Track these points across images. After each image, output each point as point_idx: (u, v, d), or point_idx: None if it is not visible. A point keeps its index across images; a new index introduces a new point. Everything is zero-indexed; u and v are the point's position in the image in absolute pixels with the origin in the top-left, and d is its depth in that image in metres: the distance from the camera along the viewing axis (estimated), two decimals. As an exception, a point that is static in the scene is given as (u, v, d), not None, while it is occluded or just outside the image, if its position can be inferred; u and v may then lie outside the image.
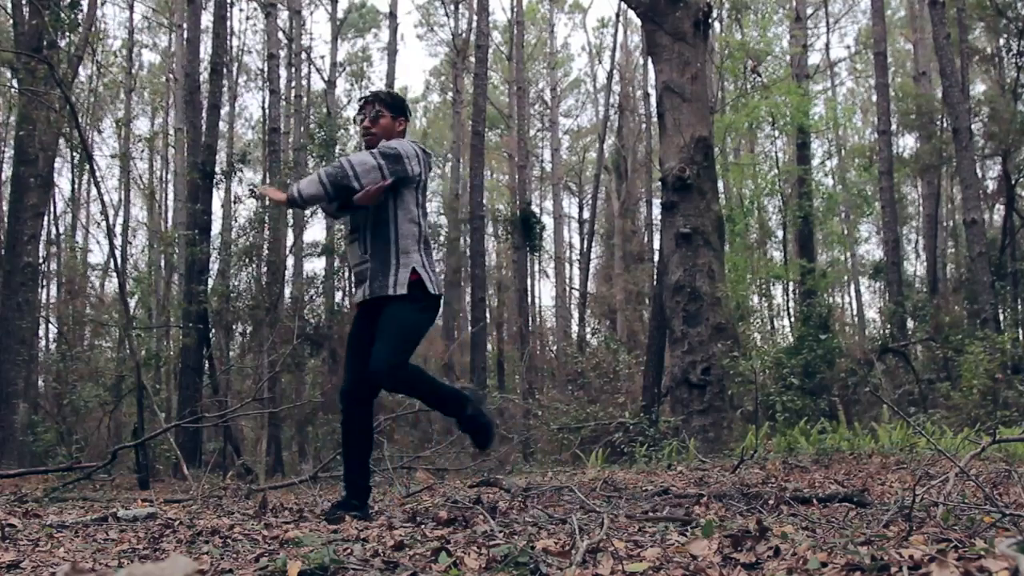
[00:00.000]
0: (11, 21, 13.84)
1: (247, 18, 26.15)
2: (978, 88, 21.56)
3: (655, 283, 16.13)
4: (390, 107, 3.85)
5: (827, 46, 26.77)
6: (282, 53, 22.25)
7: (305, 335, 16.01)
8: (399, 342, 3.63)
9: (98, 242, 27.59)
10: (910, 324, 16.96)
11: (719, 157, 14.90)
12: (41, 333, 17.87)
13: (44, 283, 19.69)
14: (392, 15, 22.62)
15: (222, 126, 20.41)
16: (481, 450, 3.91)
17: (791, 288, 22.28)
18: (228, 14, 18.58)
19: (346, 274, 21.25)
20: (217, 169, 15.36)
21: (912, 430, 7.19)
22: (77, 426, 14.41)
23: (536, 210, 25.36)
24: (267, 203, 15.85)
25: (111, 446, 10.52)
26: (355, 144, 27.15)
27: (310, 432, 17.76)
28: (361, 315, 3.80)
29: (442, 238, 23.45)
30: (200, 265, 14.41)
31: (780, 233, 22.19)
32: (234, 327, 16.93)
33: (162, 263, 22.19)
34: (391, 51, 22.25)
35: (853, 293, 29.14)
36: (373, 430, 3.93)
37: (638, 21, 12.45)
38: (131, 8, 23.38)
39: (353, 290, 3.84)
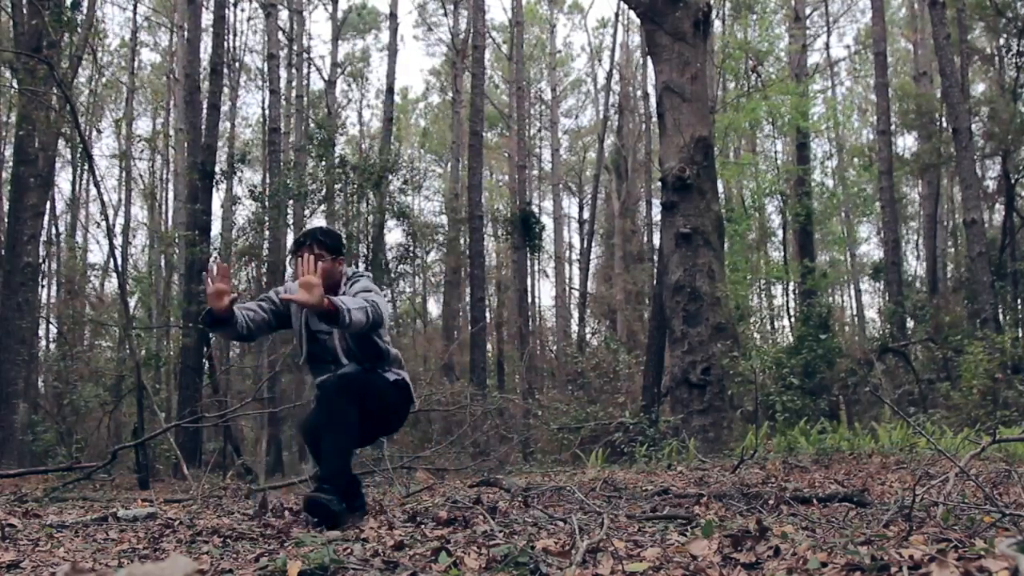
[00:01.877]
0: (11, 21, 13.83)
1: (248, 18, 26.13)
2: (978, 88, 21.56)
3: (655, 283, 16.13)
4: (329, 249, 3.60)
5: (827, 45, 26.80)
6: (282, 53, 22.26)
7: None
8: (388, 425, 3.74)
9: (98, 242, 27.59)
10: (910, 324, 16.95)
11: (718, 157, 14.89)
12: (41, 333, 17.88)
13: (44, 283, 19.69)
14: (392, 15, 22.62)
15: (222, 126, 20.42)
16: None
17: (791, 288, 22.28)
18: (229, 14, 18.59)
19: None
20: (217, 169, 15.36)
21: (912, 430, 7.19)
22: (77, 426, 14.41)
23: (536, 210, 25.34)
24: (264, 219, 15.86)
25: (111, 446, 10.52)
26: (354, 136, 27.08)
27: (310, 432, 17.75)
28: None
29: (441, 238, 23.46)
30: (200, 265, 14.41)
31: (780, 233, 22.20)
32: (234, 327, 16.91)
33: (162, 263, 22.19)
34: (391, 51, 22.25)
35: (853, 293, 29.14)
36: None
37: (638, 21, 12.45)
38: (134, 8, 23.38)
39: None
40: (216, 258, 15.88)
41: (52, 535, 3.17)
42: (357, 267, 20.54)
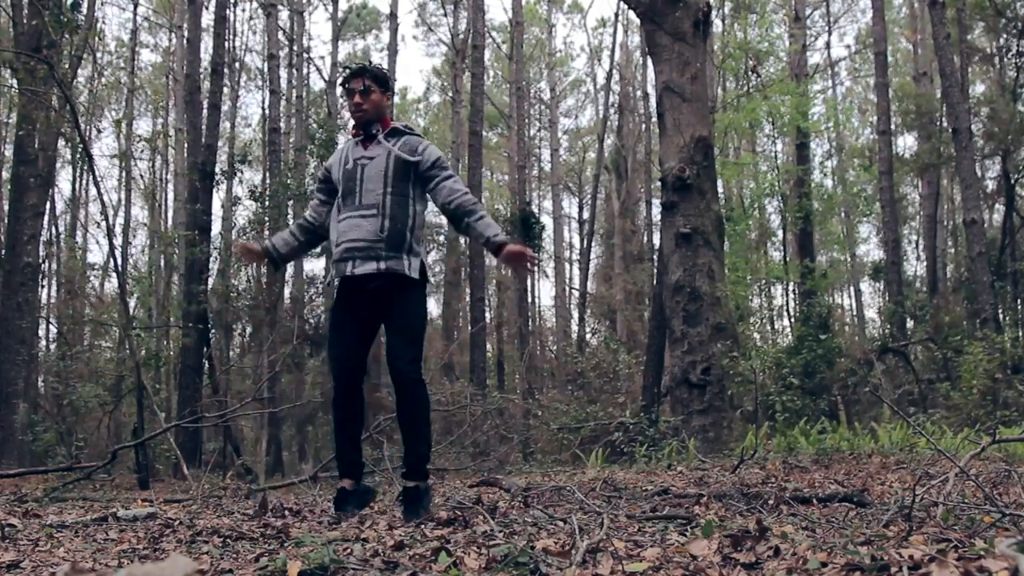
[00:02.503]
0: (11, 21, 13.83)
1: (248, 18, 26.14)
2: (978, 88, 21.56)
3: (655, 283, 16.12)
4: (378, 81, 3.79)
5: (827, 45, 26.80)
6: (282, 53, 22.26)
7: (305, 335, 16.02)
8: (419, 340, 3.70)
9: (98, 242, 27.61)
10: (910, 324, 16.95)
11: (718, 157, 14.89)
12: (41, 333, 17.88)
13: (44, 283, 19.69)
14: (393, 15, 22.62)
15: (222, 126, 20.41)
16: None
17: (791, 288, 22.28)
18: (229, 14, 18.58)
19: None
20: (217, 169, 15.36)
21: (912, 430, 7.19)
22: (77, 426, 14.41)
23: (536, 210, 25.35)
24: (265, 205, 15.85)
25: (111, 446, 10.52)
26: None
27: (310, 432, 17.78)
28: (352, 291, 3.71)
29: (442, 238, 23.44)
30: (200, 265, 14.42)
31: (780, 233, 22.19)
32: (234, 327, 16.94)
33: (162, 263, 22.18)
34: (391, 51, 22.26)
35: (853, 293, 29.14)
36: (364, 408, 3.95)
37: (638, 21, 12.45)
38: (135, 7, 23.37)
39: (343, 266, 3.67)
40: (216, 257, 15.88)
41: (52, 535, 3.17)
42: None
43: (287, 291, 17.29)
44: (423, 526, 3.17)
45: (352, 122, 3.91)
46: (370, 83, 3.75)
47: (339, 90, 3.99)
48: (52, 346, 19.59)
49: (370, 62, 4.01)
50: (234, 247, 3.49)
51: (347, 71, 3.90)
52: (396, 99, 25.12)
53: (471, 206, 3.66)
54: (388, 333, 3.73)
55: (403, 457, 3.81)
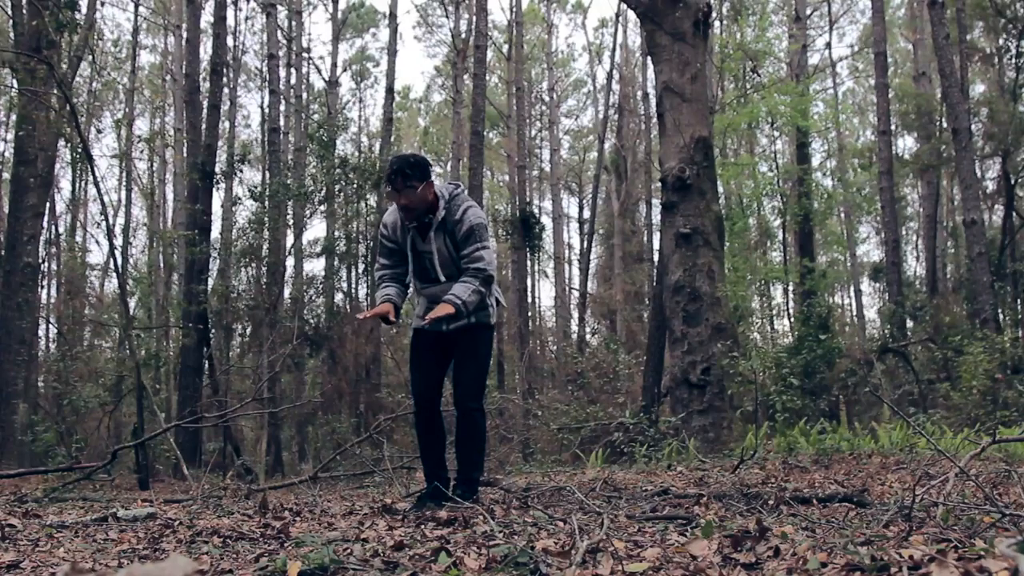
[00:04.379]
0: (11, 21, 13.83)
1: (246, 18, 26.13)
2: (978, 88, 21.57)
3: (655, 283, 16.13)
4: (417, 177, 3.99)
5: (828, 45, 26.80)
6: (281, 53, 22.25)
7: (305, 335, 16.02)
8: (485, 375, 4.28)
9: (98, 242, 27.58)
10: (910, 324, 16.95)
11: (717, 157, 14.89)
12: (41, 333, 17.88)
13: (44, 283, 19.70)
14: (392, 15, 22.61)
15: (222, 126, 20.41)
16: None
17: (791, 288, 22.29)
18: (228, 14, 18.58)
19: (345, 274, 21.24)
20: (217, 169, 15.36)
21: (912, 430, 7.19)
22: (77, 426, 14.40)
23: (536, 210, 25.34)
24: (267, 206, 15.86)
25: (111, 446, 10.52)
26: (353, 136, 27.06)
27: (310, 432, 17.77)
28: (426, 336, 4.20)
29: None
30: (200, 265, 14.41)
31: (780, 234, 22.19)
32: (234, 327, 16.94)
33: (162, 263, 22.17)
34: (391, 52, 22.24)
35: (853, 293, 29.14)
36: (445, 430, 4.38)
37: (638, 21, 12.45)
38: (136, 8, 23.37)
39: (438, 324, 4.09)
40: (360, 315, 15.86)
41: (52, 535, 3.17)
42: (357, 265, 20.53)
43: (287, 291, 17.29)
44: (423, 526, 3.17)
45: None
46: (410, 181, 3.97)
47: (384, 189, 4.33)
48: (52, 346, 19.59)
49: (411, 156, 4.11)
50: (359, 316, 3.81)
51: (388, 173, 4.08)
52: (398, 99, 25.09)
53: (470, 273, 4.06)
54: (458, 366, 4.23)
55: (456, 474, 4.26)
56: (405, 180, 3.94)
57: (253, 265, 16.40)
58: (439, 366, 4.29)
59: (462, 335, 4.17)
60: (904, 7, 26.90)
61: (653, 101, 17.76)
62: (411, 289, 4.34)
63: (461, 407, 4.15)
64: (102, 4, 22.00)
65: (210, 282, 15.27)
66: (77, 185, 23.55)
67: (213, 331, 15.30)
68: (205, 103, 15.82)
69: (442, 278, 4.10)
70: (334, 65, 25.27)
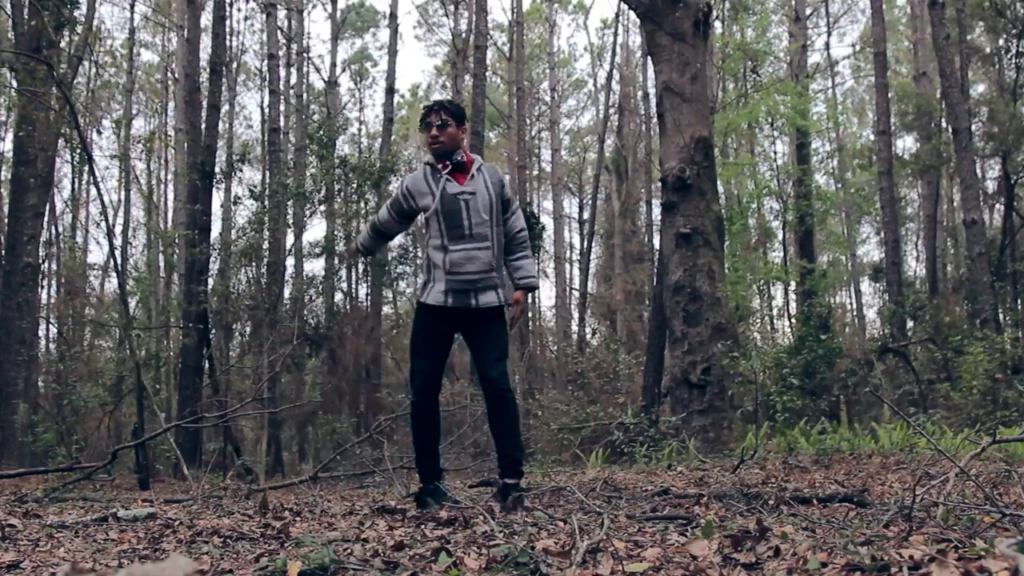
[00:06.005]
0: (11, 21, 13.83)
1: (246, 18, 26.13)
2: (978, 88, 21.56)
3: (655, 283, 16.12)
4: (455, 116, 4.01)
5: (827, 45, 26.80)
6: (281, 53, 22.25)
7: (305, 335, 16.01)
8: (506, 356, 4.11)
9: (98, 242, 27.59)
10: (910, 324, 16.94)
11: (717, 157, 14.88)
12: (41, 333, 17.87)
13: (44, 283, 19.69)
14: (392, 15, 22.60)
15: (222, 126, 20.41)
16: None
17: (791, 288, 22.28)
18: (227, 14, 18.58)
19: (345, 274, 21.22)
20: (217, 169, 15.36)
21: (912, 430, 7.19)
22: (77, 426, 14.41)
23: (536, 210, 25.33)
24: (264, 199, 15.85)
25: (111, 446, 10.52)
26: (354, 135, 27.06)
27: (310, 432, 17.77)
28: (442, 317, 4.00)
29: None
30: (200, 265, 14.41)
31: (780, 234, 22.18)
32: (234, 327, 16.93)
33: (162, 263, 22.16)
34: (391, 51, 22.24)
35: (853, 293, 29.14)
36: (439, 418, 4.22)
37: (638, 21, 12.45)
38: (131, 7, 23.37)
39: (464, 297, 3.95)
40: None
41: (52, 535, 3.17)
42: (357, 265, 20.50)
43: (287, 291, 17.29)
44: (423, 526, 3.17)
45: (431, 155, 4.12)
46: (447, 117, 3.98)
47: (419, 126, 4.31)
48: (52, 346, 19.58)
49: (449, 100, 4.14)
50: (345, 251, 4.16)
51: (426, 109, 4.08)
52: (398, 98, 25.09)
53: (524, 243, 4.15)
54: (481, 350, 4.03)
55: (499, 459, 4.12)
56: (443, 114, 3.97)
57: (253, 265, 16.39)
58: (444, 351, 4.13)
59: (485, 315, 4.00)
60: (904, 7, 26.90)
61: (653, 101, 17.75)
62: (393, 246, 4.34)
63: (497, 390, 3.97)
64: (101, 3, 22.04)
65: (210, 282, 15.27)
66: (77, 185, 23.56)
67: (213, 331, 15.30)
68: (205, 103, 15.82)
69: (473, 226, 3.91)
70: (333, 65, 25.27)
